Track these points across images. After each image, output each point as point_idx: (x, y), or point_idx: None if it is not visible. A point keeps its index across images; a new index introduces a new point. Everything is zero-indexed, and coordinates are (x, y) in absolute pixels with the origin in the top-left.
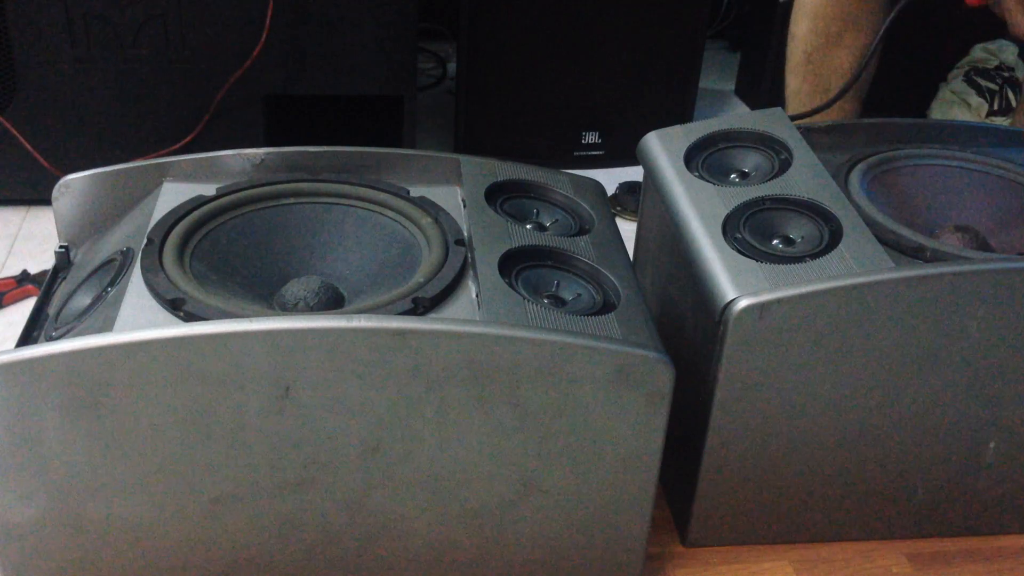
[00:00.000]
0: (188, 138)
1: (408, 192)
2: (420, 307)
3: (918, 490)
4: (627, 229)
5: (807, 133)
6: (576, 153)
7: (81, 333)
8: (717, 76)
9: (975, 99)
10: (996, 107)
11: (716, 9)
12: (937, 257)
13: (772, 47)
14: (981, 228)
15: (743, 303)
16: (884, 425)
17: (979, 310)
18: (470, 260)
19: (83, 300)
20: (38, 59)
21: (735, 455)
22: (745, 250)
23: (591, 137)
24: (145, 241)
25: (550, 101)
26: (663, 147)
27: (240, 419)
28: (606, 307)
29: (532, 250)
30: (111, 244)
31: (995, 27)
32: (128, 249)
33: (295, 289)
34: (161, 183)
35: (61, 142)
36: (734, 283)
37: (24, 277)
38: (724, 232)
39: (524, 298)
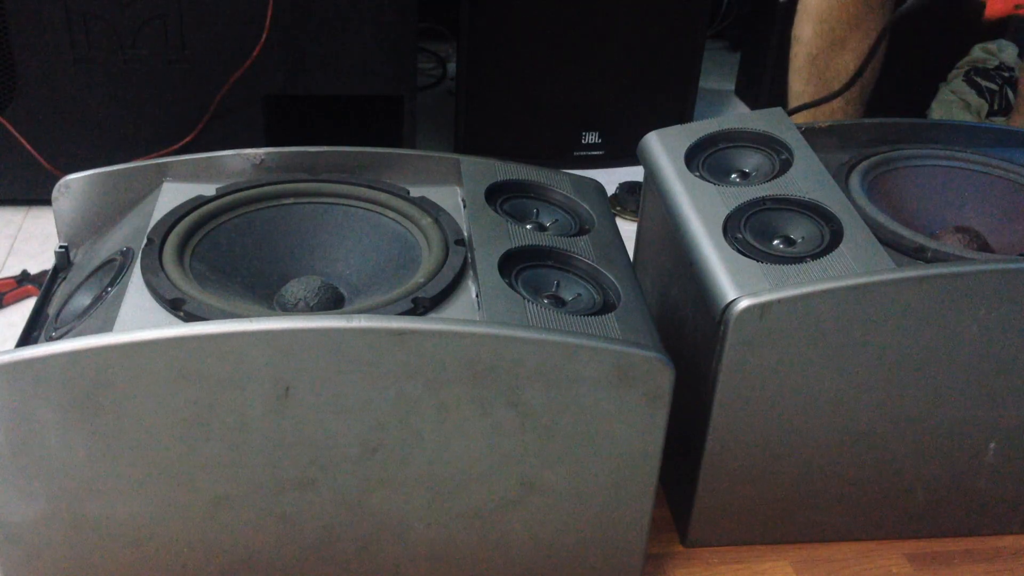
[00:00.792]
0: (188, 138)
1: (408, 192)
2: (420, 307)
3: (918, 490)
4: (627, 229)
5: (807, 133)
6: (576, 153)
7: (81, 333)
8: (717, 76)
9: (975, 99)
10: (996, 107)
11: (716, 9)
12: (937, 257)
13: (772, 47)
14: (981, 228)
15: (743, 303)
16: (884, 425)
17: (979, 310)
18: (470, 260)
19: (83, 300)
20: (38, 59)
21: (735, 455)
22: (745, 250)
23: (591, 137)
24: (145, 241)
25: (550, 101)
26: (663, 147)
27: (240, 419)
28: (606, 307)
29: (532, 250)
30: (111, 244)
31: (995, 27)
32: (128, 249)
33: (295, 289)
34: (161, 183)
35: (61, 142)
36: (734, 283)
37: (24, 277)
38: (724, 232)
39: (524, 298)
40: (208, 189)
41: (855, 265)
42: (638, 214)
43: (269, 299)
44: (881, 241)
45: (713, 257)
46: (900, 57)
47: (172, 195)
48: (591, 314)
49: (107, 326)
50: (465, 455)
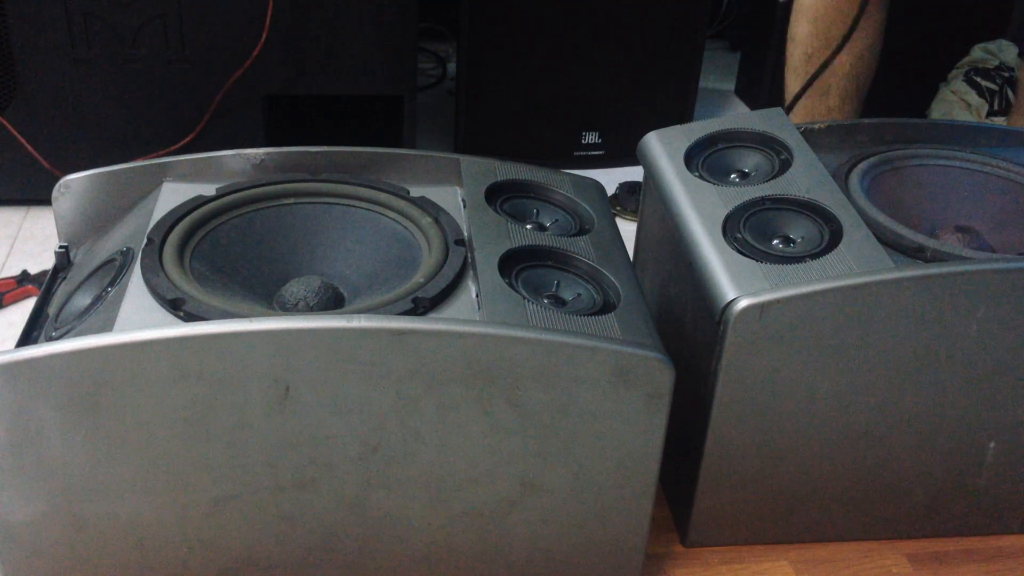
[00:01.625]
0: (188, 138)
1: (408, 192)
2: (420, 307)
3: (918, 490)
4: (627, 229)
5: (807, 133)
6: (576, 153)
7: (81, 333)
8: (717, 76)
9: (975, 99)
10: (996, 107)
11: (716, 9)
12: (937, 257)
13: (772, 47)
14: (981, 228)
15: (743, 303)
16: (884, 425)
17: (979, 310)
18: (470, 260)
19: (83, 300)
20: (38, 59)
21: (735, 455)
22: (745, 250)
23: (591, 137)
24: (145, 241)
25: (550, 101)
26: (663, 147)
27: (240, 419)
28: (606, 307)
29: (532, 250)
30: (111, 244)
31: (995, 27)
32: (128, 249)
33: (295, 289)
34: (161, 183)
35: (61, 142)
36: (734, 283)
37: (24, 277)
38: (724, 232)
39: (524, 298)
40: (208, 189)
41: (855, 265)
42: (638, 214)
43: (269, 299)
44: (881, 241)
45: (713, 257)
46: (900, 57)
47: (172, 195)
48: (591, 314)
49: (107, 326)
50: (465, 455)
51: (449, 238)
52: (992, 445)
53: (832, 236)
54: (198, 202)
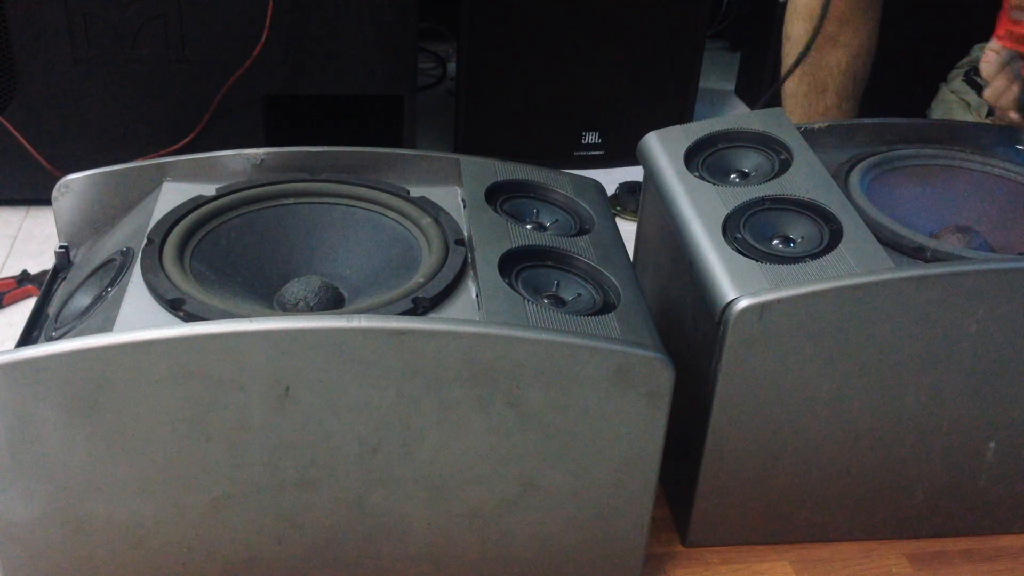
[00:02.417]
0: (188, 138)
1: (408, 192)
2: (420, 307)
3: (918, 490)
4: (627, 229)
5: (807, 133)
6: (576, 153)
7: (81, 333)
8: (717, 76)
9: (975, 99)
10: None
11: (716, 9)
12: (937, 257)
13: (772, 47)
14: (981, 228)
15: (743, 303)
16: (884, 425)
17: (979, 310)
18: (470, 260)
19: (83, 300)
20: (38, 59)
21: (735, 455)
22: (745, 250)
23: (591, 137)
24: (145, 241)
25: (550, 101)
26: (663, 147)
27: (240, 419)
28: (606, 307)
29: (532, 250)
30: (111, 244)
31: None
32: (128, 249)
33: (295, 289)
34: (161, 183)
35: (61, 142)
36: (734, 283)
37: (24, 277)
38: (724, 232)
39: (524, 298)
40: (208, 189)
41: (854, 265)
42: (638, 214)
43: (269, 299)
44: (880, 241)
45: (712, 257)
46: (900, 57)
47: (172, 195)
48: (591, 314)
49: (107, 326)
50: (465, 455)
51: (449, 238)
52: (992, 445)
53: (832, 236)
54: (198, 202)
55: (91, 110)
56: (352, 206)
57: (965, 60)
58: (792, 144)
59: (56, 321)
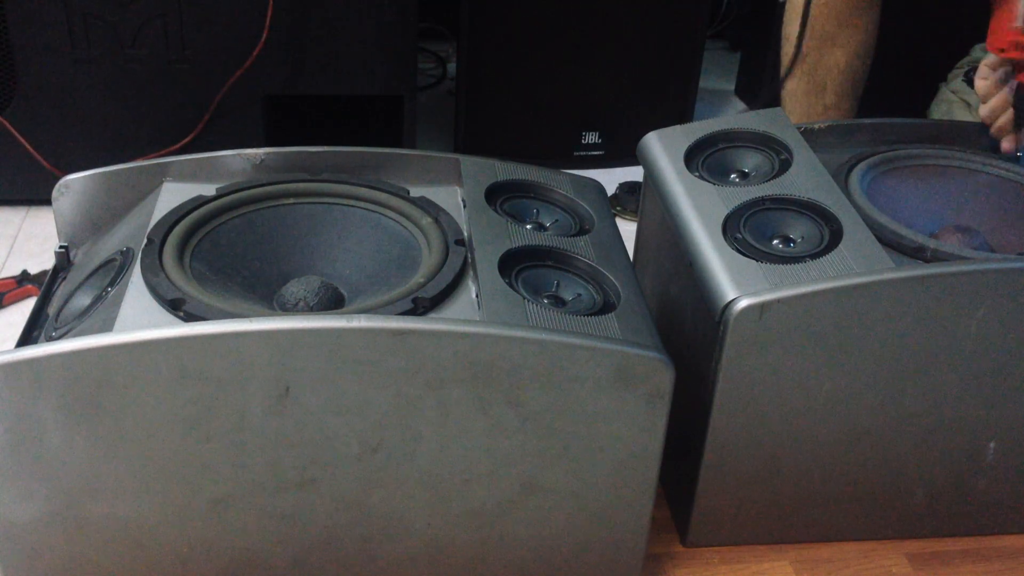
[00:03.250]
0: (188, 138)
1: (408, 192)
2: (420, 307)
3: (918, 490)
4: (627, 229)
5: (807, 133)
6: (576, 153)
7: (81, 333)
8: (717, 76)
9: (975, 99)
10: None
11: (716, 9)
12: (937, 257)
13: (772, 47)
14: (981, 228)
15: (743, 303)
16: (884, 425)
17: (979, 310)
18: (470, 260)
19: (83, 300)
20: (38, 59)
21: (735, 455)
22: (745, 250)
23: (591, 137)
24: (145, 241)
25: (550, 101)
26: (663, 147)
27: (240, 419)
28: (606, 307)
29: (532, 250)
30: (111, 244)
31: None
32: (128, 249)
33: (295, 289)
34: (161, 183)
35: (61, 142)
36: (734, 283)
37: (24, 277)
38: (724, 232)
39: (524, 298)
40: (208, 189)
41: (855, 265)
42: (638, 214)
43: (269, 299)
44: (881, 241)
45: (713, 257)
46: (900, 57)
47: (172, 195)
48: (591, 314)
49: (107, 326)
50: (465, 455)
51: (449, 238)
52: (992, 445)
53: (832, 236)
54: (198, 202)
55: (91, 110)
56: (352, 206)
57: (965, 60)
58: (792, 144)
59: (56, 321)
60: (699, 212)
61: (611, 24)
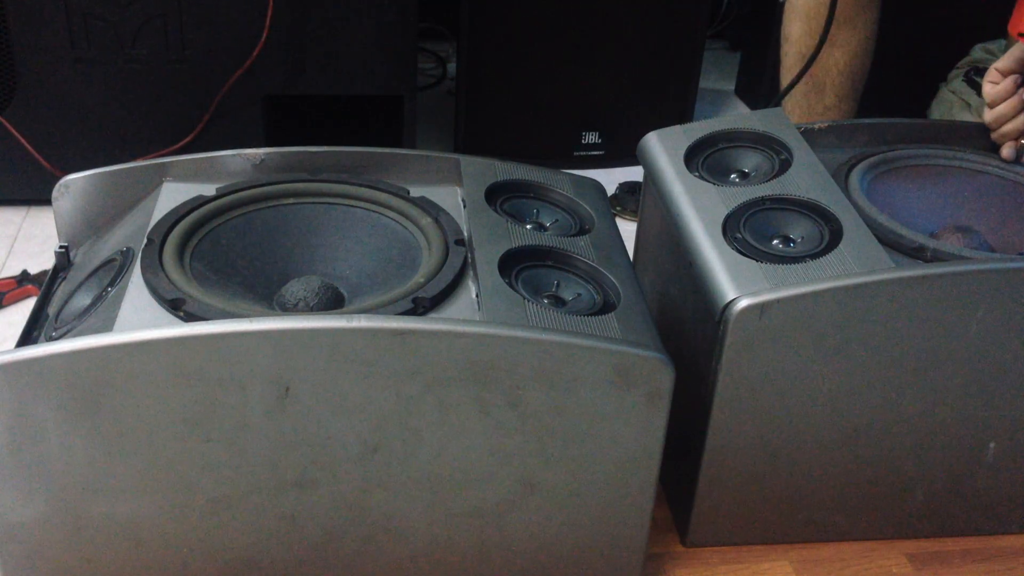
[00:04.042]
0: (188, 138)
1: (408, 192)
2: (420, 307)
3: (918, 490)
4: (627, 229)
5: (807, 133)
6: (576, 153)
7: (81, 333)
8: (717, 76)
9: (975, 99)
10: None
11: (716, 9)
12: (937, 257)
13: (772, 47)
14: (981, 228)
15: (743, 303)
16: (884, 425)
17: (979, 310)
18: (470, 260)
19: (83, 300)
20: (38, 59)
21: (735, 455)
22: (745, 250)
23: (591, 137)
24: (145, 241)
25: (550, 101)
26: (663, 147)
27: (240, 419)
28: (606, 307)
29: (532, 250)
30: (111, 244)
31: (995, 27)
32: (128, 249)
33: (295, 289)
34: (161, 183)
35: (61, 142)
36: (734, 283)
37: (24, 277)
38: (724, 232)
39: (524, 298)
40: (208, 189)
41: (854, 265)
42: (638, 214)
43: (269, 299)
44: (881, 241)
45: (713, 257)
46: (900, 57)
47: (172, 195)
48: (591, 314)
49: (107, 326)
50: (465, 455)
51: (449, 238)
52: (992, 445)
53: (832, 236)
54: (198, 202)
55: (91, 110)
56: (352, 206)
57: (965, 60)
58: (792, 144)
59: (56, 321)
60: (699, 212)
61: (611, 24)
